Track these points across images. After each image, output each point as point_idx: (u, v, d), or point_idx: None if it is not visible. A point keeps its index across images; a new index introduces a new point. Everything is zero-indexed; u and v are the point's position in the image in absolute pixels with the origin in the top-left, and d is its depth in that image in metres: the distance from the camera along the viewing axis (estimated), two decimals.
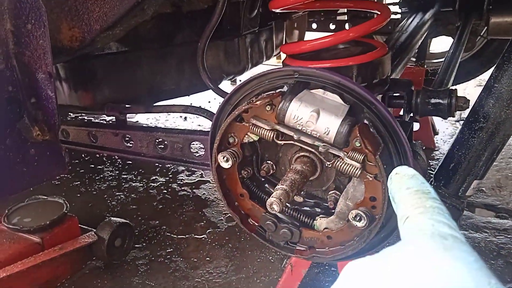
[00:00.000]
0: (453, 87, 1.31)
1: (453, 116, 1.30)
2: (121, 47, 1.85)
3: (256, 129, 1.03)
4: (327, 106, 0.97)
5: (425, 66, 2.85)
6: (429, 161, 2.94)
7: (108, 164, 2.98)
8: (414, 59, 2.84)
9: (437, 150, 3.12)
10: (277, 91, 1.04)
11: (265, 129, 1.02)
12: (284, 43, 2.73)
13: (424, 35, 2.34)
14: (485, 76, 3.43)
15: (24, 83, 1.27)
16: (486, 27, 2.59)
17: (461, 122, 3.51)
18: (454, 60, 1.72)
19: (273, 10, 1.29)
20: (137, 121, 3.62)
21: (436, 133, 3.32)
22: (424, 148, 3.25)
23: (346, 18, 3.28)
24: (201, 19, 1.91)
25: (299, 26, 3.05)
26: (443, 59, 3.34)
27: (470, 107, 1.25)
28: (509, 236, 2.17)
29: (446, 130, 3.41)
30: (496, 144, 1.14)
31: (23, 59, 1.25)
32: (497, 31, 2.52)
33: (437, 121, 3.45)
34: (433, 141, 3.14)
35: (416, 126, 2.41)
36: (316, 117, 0.95)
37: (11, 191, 1.21)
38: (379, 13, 1.37)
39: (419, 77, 2.71)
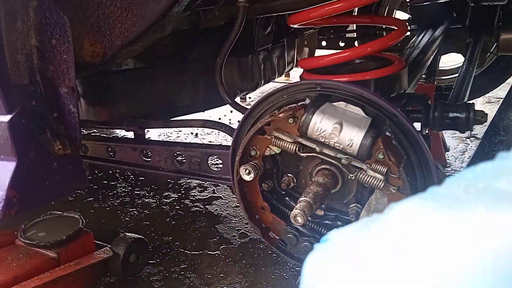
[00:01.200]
0: (470, 102, 1.32)
1: (471, 130, 1.30)
2: (138, 63, 1.88)
3: (279, 142, 1.04)
4: (349, 119, 0.98)
5: (435, 82, 2.87)
6: None
7: (121, 180, 2.99)
8: (424, 76, 2.86)
9: (448, 167, 3.10)
10: (299, 104, 1.06)
11: (288, 141, 1.03)
12: (295, 60, 2.77)
13: (435, 51, 2.36)
14: (494, 93, 3.45)
15: (47, 97, 1.29)
16: (496, 44, 2.61)
17: (472, 139, 3.51)
18: (468, 75, 1.73)
19: (291, 25, 1.31)
20: (149, 138, 3.64)
21: (447, 150, 3.31)
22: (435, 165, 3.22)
23: (355, 36, 3.32)
24: (216, 36, 1.94)
25: (310, 43, 3.09)
26: (452, 76, 3.37)
27: (489, 121, 1.26)
28: None
29: (457, 147, 3.40)
30: None
31: (47, 73, 1.27)
32: (507, 48, 2.55)
33: (448, 137, 3.45)
34: (444, 158, 3.13)
35: None
36: (339, 129, 0.96)
37: (35, 204, 1.22)
38: (395, 28, 1.39)
39: (431, 93, 2.72)
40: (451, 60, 3.49)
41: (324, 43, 3.39)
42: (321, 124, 0.98)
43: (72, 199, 2.71)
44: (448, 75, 3.38)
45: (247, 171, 1.08)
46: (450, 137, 3.48)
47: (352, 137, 0.96)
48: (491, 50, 2.85)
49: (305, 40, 3.02)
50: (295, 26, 1.31)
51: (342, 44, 3.34)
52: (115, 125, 1.77)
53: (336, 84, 1.02)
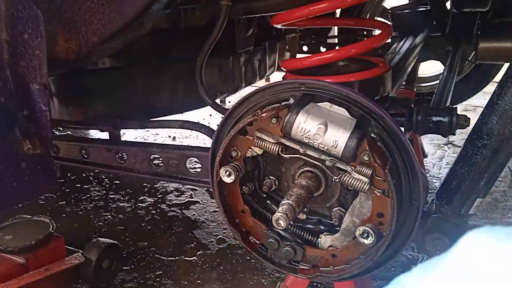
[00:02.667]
0: (453, 106, 1.31)
1: (454, 134, 1.29)
2: (115, 62, 1.82)
3: (261, 143, 1.00)
4: (334, 119, 0.96)
5: (415, 89, 2.89)
6: None
7: (94, 183, 2.90)
8: (404, 82, 2.88)
9: (427, 173, 3.13)
10: (282, 103, 1.02)
11: (270, 142, 0.99)
12: (276, 64, 2.74)
13: (415, 58, 2.38)
14: (470, 101, 3.51)
15: (17, 94, 1.22)
16: (474, 52, 2.65)
17: (449, 145, 3.56)
18: (449, 82, 1.74)
19: (274, 25, 1.28)
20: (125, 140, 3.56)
21: (425, 156, 3.35)
22: None
23: (336, 41, 3.32)
24: (197, 36, 1.90)
25: (291, 47, 3.08)
26: (431, 83, 3.41)
27: (471, 125, 1.25)
28: None
29: (435, 154, 3.44)
30: (500, 161, 1.13)
31: (17, 69, 1.20)
32: (485, 56, 2.57)
33: (425, 144, 3.48)
34: (423, 164, 3.16)
35: None
36: (324, 130, 0.93)
37: (1, 207, 1.15)
38: (376, 34, 1.38)
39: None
40: (431, 67, 3.53)
41: (305, 48, 3.39)
42: (305, 124, 0.95)
43: (43, 203, 2.61)
44: (428, 83, 3.42)
45: (228, 172, 1.04)
46: (428, 143, 3.51)
47: (337, 138, 0.93)
48: (469, 59, 2.88)
49: (287, 44, 3.00)
50: (279, 26, 1.28)
51: (323, 50, 3.35)
52: (89, 125, 1.70)
53: (321, 84, 0.99)
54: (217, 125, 1.13)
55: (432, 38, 2.70)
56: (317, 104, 1.00)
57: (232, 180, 1.04)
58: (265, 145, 1.00)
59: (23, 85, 1.23)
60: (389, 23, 2.80)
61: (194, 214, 2.54)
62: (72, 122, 1.73)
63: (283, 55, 3.05)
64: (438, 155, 3.41)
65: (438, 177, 3.05)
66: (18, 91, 1.22)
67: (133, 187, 2.83)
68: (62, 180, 2.93)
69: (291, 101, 1.02)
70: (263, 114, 0.98)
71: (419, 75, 3.47)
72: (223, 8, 1.29)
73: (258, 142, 1.00)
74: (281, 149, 1.00)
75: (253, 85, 2.66)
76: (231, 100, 4.12)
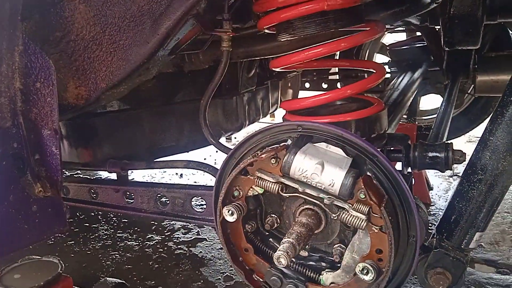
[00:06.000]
0: (449, 141, 1.35)
1: (451, 169, 1.33)
2: (123, 105, 1.89)
3: (261, 182, 1.04)
4: (330, 159, 1.00)
5: (417, 122, 2.94)
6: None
7: (103, 222, 2.94)
8: (405, 116, 2.93)
9: (433, 205, 3.13)
10: (281, 144, 1.07)
11: (270, 181, 1.03)
12: (279, 101, 2.81)
13: (415, 92, 2.44)
14: (473, 133, 3.54)
15: (29, 139, 1.28)
16: (473, 85, 2.70)
17: (454, 177, 3.56)
18: (446, 115, 1.78)
19: (273, 69, 1.35)
20: (133, 179, 3.62)
21: (431, 189, 3.35)
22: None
23: (337, 78, 3.40)
24: (201, 78, 1.98)
25: (293, 85, 3.16)
26: (432, 116, 3.46)
27: (467, 160, 1.28)
28: None
29: (440, 185, 3.44)
30: (496, 196, 1.16)
31: (30, 116, 1.27)
32: (483, 89, 2.64)
33: (431, 176, 3.49)
34: (428, 197, 3.16)
35: None
36: (321, 169, 0.97)
37: (13, 249, 1.19)
38: (373, 71, 1.44)
39: (412, 132, 2.78)
40: (432, 101, 3.59)
41: (307, 85, 3.47)
42: (303, 164, 0.99)
43: (52, 243, 2.63)
44: (429, 115, 3.46)
45: (230, 212, 1.07)
46: (433, 175, 3.52)
47: (334, 177, 0.97)
48: (468, 91, 2.94)
49: (289, 82, 3.08)
50: (277, 69, 1.34)
51: (325, 86, 3.43)
52: (98, 167, 1.75)
53: (317, 126, 1.04)
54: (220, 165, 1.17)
55: (430, 72, 2.77)
56: (314, 144, 1.04)
57: (234, 219, 1.08)
58: (266, 184, 1.04)
59: (35, 131, 1.29)
60: (385, 61, 2.88)
61: (201, 252, 2.55)
62: (81, 164, 1.78)
63: (286, 92, 3.13)
64: (443, 187, 3.41)
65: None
66: (30, 137, 1.28)
67: (141, 226, 2.85)
68: (71, 220, 2.96)
69: (289, 142, 1.06)
70: (263, 155, 1.03)
71: (421, 109, 3.53)
72: (224, 54, 1.36)
73: (258, 182, 1.05)
74: (281, 188, 1.04)
75: (259, 121, 2.72)
76: (237, 137, 4.19)
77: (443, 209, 3.18)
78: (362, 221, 0.96)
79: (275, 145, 1.08)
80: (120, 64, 1.38)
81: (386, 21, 1.51)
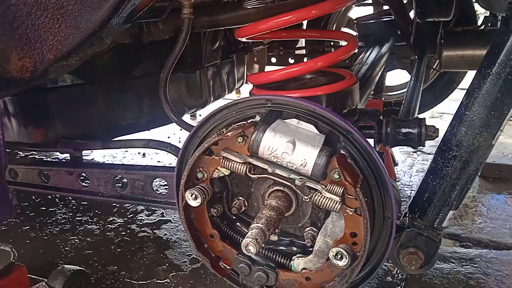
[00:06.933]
0: (421, 117, 1.31)
1: (424, 146, 1.28)
2: (76, 79, 1.74)
3: (228, 163, 0.96)
4: (302, 137, 0.92)
5: (383, 98, 2.91)
6: None
7: (61, 205, 2.78)
8: (372, 92, 2.90)
9: (398, 181, 3.15)
10: (249, 121, 0.98)
11: (237, 162, 0.95)
12: (245, 76, 2.72)
13: (382, 67, 2.39)
14: (436, 108, 3.57)
15: None
16: (438, 61, 2.69)
17: (418, 153, 3.60)
18: (416, 91, 1.74)
19: (239, 38, 1.25)
20: (93, 159, 3.45)
21: (396, 164, 3.37)
22: None
23: (304, 52, 3.33)
24: (162, 50, 1.84)
25: (259, 60, 3.06)
26: (398, 92, 3.46)
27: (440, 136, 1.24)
28: (475, 265, 2.17)
29: (405, 161, 3.47)
30: (471, 173, 1.12)
31: None
32: (449, 64, 2.63)
33: (395, 152, 3.51)
34: (394, 173, 3.18)
35: None
36: (292, 148, 0.90)
37: None
38: (344, 43, 1.36)
39: (379, 108, 2.75)
40: (397, 76, 3.58)
41: (274, 60, 3.38)
42: (272, 142, 0.91)
43: (5, 229, 2.47)
44: (395, 91, 3.46)
45: (194, 195, 0.98)
46: (397, 151, 3.54)
47: (306, 156, 0.89)
48: (434, 67, 2.93)
49: (255, 56, 2.98)
50: (243, 39, 1.24)
51: (291, 61, 3.35)
52: (48, 147, 1.61)
53: (287, 100, 0.95)
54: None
55: (397, 47, 2.73)
56: (284, 120, 0.96)
57: (198, 204, 0.99)
58: (232, 165, 0.96)
59: None
60: (355, 33, 2.83)
61: (165, 234, 2.46)
62: (30, 144, 1.63)
63: (251, 67, 3.03)
64: (408, 162, 3.44)
65: (409, 185, 3.07)
66: None
67: (102, 208, 2.72)
68: (26, 203, 2.79)
69: (257, 118, 0.98)
70: (229, 133, 0.94)
71: (386, 85, 3.52)
72: (185, 22, 1.25)
73: (224, 163, 0.96)
74: (249, 169, 0.96)
75: (225, 97, 2.62)
76: (202, 114, 4.07)
77: (408, 185, 3.22)
78: (336, 203, 0.90)
79: (242, 122, 0.99)
80: (69, 32, 1.24)
81: None
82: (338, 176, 0.89)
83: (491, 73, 1.03)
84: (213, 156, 0.98)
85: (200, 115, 4.09)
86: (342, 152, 0.94)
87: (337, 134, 0.93)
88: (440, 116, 4.16)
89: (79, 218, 2.62)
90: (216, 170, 0.99)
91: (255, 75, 1.28)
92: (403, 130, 1.26)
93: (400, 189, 3.08)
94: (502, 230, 2.48)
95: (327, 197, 0.90)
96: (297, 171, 0.92)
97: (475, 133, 1.08)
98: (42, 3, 1.19)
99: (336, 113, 1.20)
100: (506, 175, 3.11)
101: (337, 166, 0.88)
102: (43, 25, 1.23)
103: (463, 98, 1.11)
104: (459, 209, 2.72)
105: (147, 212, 2.67)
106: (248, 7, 1.13)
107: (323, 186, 0.91)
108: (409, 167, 3.40)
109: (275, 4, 1.10)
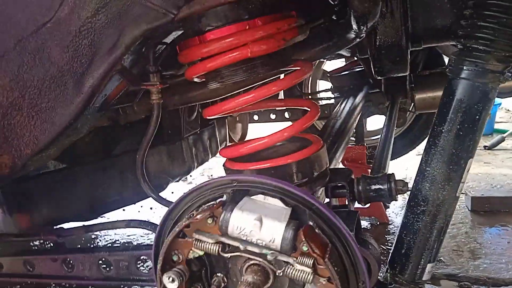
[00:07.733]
0: (390, 172, 1.35)
1: (396, 200, 1.32)
2: (59, 164, 1.79)
3: (200, 244, 0.99)
4: (269, 212, 0.96)
5: (365, 144, 2.98)
6: (386, 236, 2.94)
7: None
8: (354, 139, 2.97)
9: (391, 224, 3.15)
10: (217, 201, 1.02)
11: (209, 242, 0.98)
12: (227, 137, 2.78)
13: (359, 116, 2.47)
14: (422, 146, 3.63)
15: None
16: (412, 103, 2.79)
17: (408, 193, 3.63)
18: (387, 142, 1.80)
19: (207, 117, 1.31)
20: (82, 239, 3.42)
21: (387, 207, 3.38)
22: (378, 224, 3.22)
23: (285, 108, 3.42)
24: (141, 128, 1.91)
25: (241, 119, 3.14)
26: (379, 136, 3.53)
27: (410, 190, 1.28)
28: None
29: (396, 203, 3.48)
30: (441, 225, 1.15)
31: None
32: (423, 106, 2.74)
33: None
34: (385, 216, 3.19)
35: None
36: (259, 225, 0.93)
37: None
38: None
39: (363, 154, 2.82)
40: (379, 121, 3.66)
41: (256, 117, 3.46)
42: (240, 222, 0.94)
43: None
44: (377, 135, 3.53)
45: (171, 279, 1.00)
46: None
47: (273, 232, 0.93)
48: (410, 109, 3.03)
49: (236, 117, 3.07)
50: (212, 118, 1.31)
51: (273, 116, 3.43)
52: (32, 237, 1.63)
53: (252, 179, 1.00)
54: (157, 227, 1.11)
55: (372, 94, 2.83)
56: (251, 197, 1.00)
57: (176, 286, 1.01)
58: (205, 246, 0.98)
59: None
60: (328, 86, 2.93)
61: None
62: (13, 235, 1.65)
63: (234, 127, 3.11)
64: (399, 204, 3.45)
65: None
66: None
67: None
68: None
69: (226, 197, 1.02)
70: (198, 216, 0.98)
71: (369, 129, 3.61)
72: (155, 106, 1.31)
73: (197, 244, 0.99)
74: (221, 248, 0.99)
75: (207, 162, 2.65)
76: (193, 175, 4.08)
77: None
78: (308, 274, 0.92)
79: (212, 203, 1.03)
80: (44, 128, 1.30)
81: (316, 57, 1.52)
82: (306, 248, 0.91)
83: (443, 130, 1.09)
84: (186, 239, 1.01)
85: (191, 176, 4.11)
86: (310, 223, 0.97)
87: (301, 207, 0.97)
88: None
89: None
90: (191, 251, 1.02)
91: (227, 149, 1.33)
92: (374, 187, 1.30)
93: (394, 232, 3.08)
94: (498, 266, 2.47)
95: (299, 269, 0.92)
96: (268, 247, 0.95)
97: (438, 187, 1.12)
98: (17, 104, 1.25)
99: (306, 178, 1.24)
100: (497, 207, 3.12)
101: (303, 239, 0.91)
102: (18, 123, 1.28)
103: (423, 154, 1.17)
104: (454, 248, 2.71)
105: None
106: (211, 88, 1.20)
107: (295, 259, 0.93)
108: (401, 208, 3.41)
109: (234, 83, 1.17)
